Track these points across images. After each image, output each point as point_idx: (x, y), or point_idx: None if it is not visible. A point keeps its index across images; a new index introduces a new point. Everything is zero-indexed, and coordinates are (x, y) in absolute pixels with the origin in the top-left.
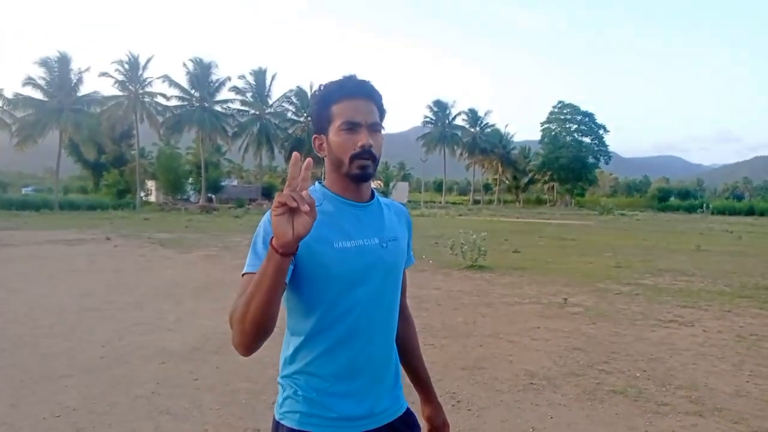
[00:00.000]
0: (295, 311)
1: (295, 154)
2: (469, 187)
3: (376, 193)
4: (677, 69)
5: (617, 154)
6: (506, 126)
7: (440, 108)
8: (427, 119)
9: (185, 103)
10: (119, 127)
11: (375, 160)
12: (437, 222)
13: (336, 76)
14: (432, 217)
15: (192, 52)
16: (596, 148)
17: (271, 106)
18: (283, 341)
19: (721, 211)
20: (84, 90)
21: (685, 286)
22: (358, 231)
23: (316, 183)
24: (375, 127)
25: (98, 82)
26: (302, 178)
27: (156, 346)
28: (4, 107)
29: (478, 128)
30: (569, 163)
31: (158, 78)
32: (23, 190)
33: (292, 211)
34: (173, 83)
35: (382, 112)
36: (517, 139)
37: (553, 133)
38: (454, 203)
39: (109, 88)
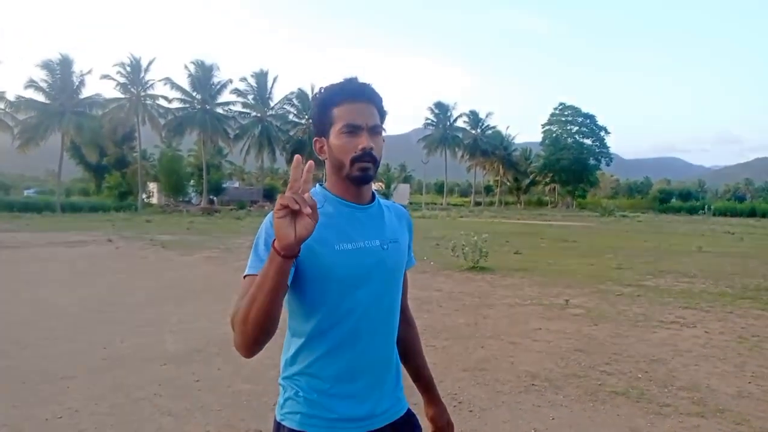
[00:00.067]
0: (296, 313)
1: (296, 156)
2: (470, 189)
3: (376, 195)
4: (678, 70)
5: (618, 156)
6: (507, 128)
7: (441, 110)
8: (428, 121)
9: (187, 105)
10: (121, 130)
11: (376, 162)
12: (438, 223)
13: (337, 78)
14: (433, 218)
15: (193, 54)
16: (597, 150)
17: (272, 108)
18: (284, 343)
19: (723, 213)
20: (86, 92)
21: (686, 288)
22: (358, 233)
23: (317, 185)
24: (376, 130)
25: (100, 85)
26: (304, 180)
27: (158, 348)
28: (7, 110)
29: (479, 130)
30: (570, 165)
31: (160, 80)
32: (25, 192)
33: (294, 214)
34: (175, 85)
35: (382, 115)
36: (518, 140)
37: (554, 134)
38: (455, 205)
39: (111, 91)
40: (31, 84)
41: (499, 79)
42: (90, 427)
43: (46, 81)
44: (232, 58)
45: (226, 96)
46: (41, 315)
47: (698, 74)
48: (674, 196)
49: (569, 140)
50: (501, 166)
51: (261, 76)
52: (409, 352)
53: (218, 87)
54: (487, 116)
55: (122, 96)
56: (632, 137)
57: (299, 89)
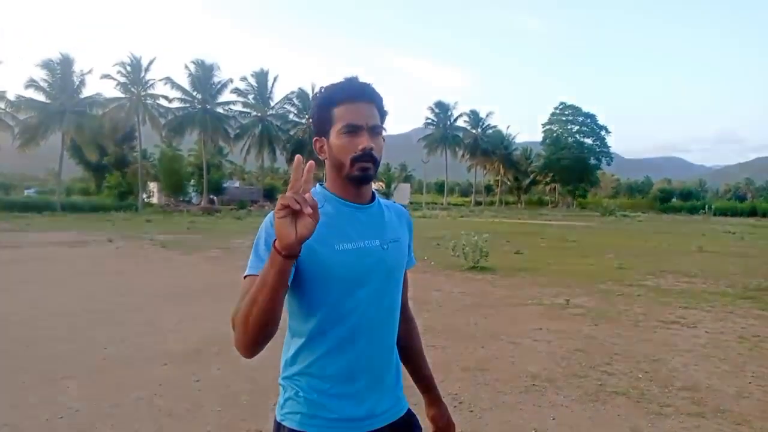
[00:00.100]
0: (296, 313)
1: (297, 156)
2: (470, 189)
3: (376, 195)
4: (679, 69)
5: (619, 155)
6: (508, 127)
7: (442, 109)
8: (429, 121)
9: (187, 105)
10: (121, 129)
11: (376, 162)
12: (439, 223)
13: (337, 78)
14: (434, 218)
15: (194, 54)
16: (598, 149)
17: (272, 107)
18: (284, 343)
19: (723, 212)
20: (86, 92)
21: (687, 288)
22: (358, 233)
23: (317, 185)
24: (376, 130)
25: (100, 84)
26: (304, 180)
27: (158, 348)
28: (7, 109)
29: (479, 129)
30: (571, 165)
31: (160, 80)
32: (26, 192)
33: (295, 214)
34: (175, 85)
35: (382, 115)
36: (518, 140)
37: (554, 134)
38: (455, 204)
39: (111, 90)
40: (32, 84)
41: (499, 78)
42: (90, 427)
43: (46, 81)
44: (232, 58)
45: (226, 95)
46: (41, 315)
47: (699, 73)
48: (675, 196)
49: (570, 140)
50: (501, 166)
51: (261, 76)
52: (410, 351)
53: (218, 86)
54: (487, 116)
55: (122, 95)
56: (633, 137)
57: (300, 89)
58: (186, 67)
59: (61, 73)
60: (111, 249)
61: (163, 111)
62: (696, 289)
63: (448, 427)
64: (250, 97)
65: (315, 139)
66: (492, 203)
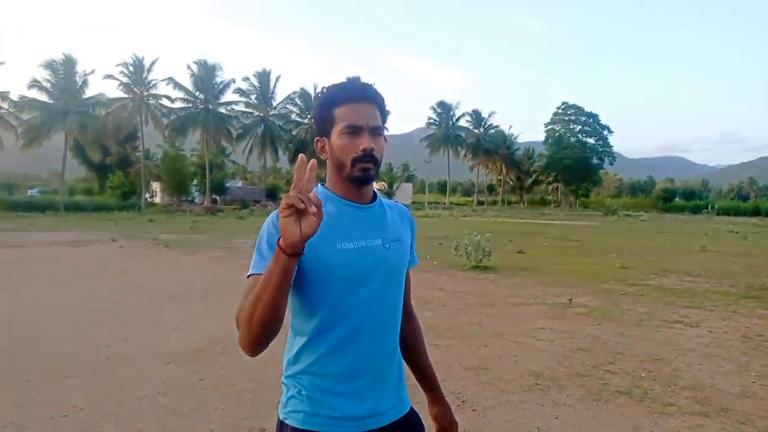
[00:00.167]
0: (298, 312)
1: (300, 156)
2: (473, 188)
3: (378, 195)
4: (681, 69)
5: (621, 155)
6: (510, 127)
7: (444, 109)
8: (431, 120)
9: (190, 105)
10: (124, 129)
11: (377, 163)
12: (441, 223)
13: (339, 78)
14: (436, 218)
15: (196, 54)
16: (600, 149)
17: (275, 107)
18: (286, 341)
19: (727, 212)
20: (89, 92)
21: (690, 287)
22: (360, 232)
23: (319, 185)
24: (377, 131)
25: (103, 85)
26: (308, 179)
27: (161, 347)
28: (10, 110)
29: (481, 129)
30: (573, 164)
31: (163, 80)
32: (29, 192)
33: (299, 212)
34: (178, 85)
35: (384, 115)
36: (521, 140)
37: (557, 134)
38: (458, 204)
39: (114, 91)
40: (35, 84)
41: (500, 78)
42: (94, 426)
43: (49, 81)
44: (234, 58)
45: (228, 96)
46: (45, 314)
47: (702, 73)
48: (678, 196)
49: (572, 139)
50: (504, 166)
51: (263, 76)
52: (412, 350)
53: (221, 87)
54: (489, 115)
55: (125, 96)
56: (635, 136)
57: (302, 89)
58: (188, 67)
59: (64, 74)
60: (114, 249)
61: (166, 111)
62: (699, 289)
63: (450, 426)
64: (253, 97)
65: (317, 138)
66: (494, 203)
